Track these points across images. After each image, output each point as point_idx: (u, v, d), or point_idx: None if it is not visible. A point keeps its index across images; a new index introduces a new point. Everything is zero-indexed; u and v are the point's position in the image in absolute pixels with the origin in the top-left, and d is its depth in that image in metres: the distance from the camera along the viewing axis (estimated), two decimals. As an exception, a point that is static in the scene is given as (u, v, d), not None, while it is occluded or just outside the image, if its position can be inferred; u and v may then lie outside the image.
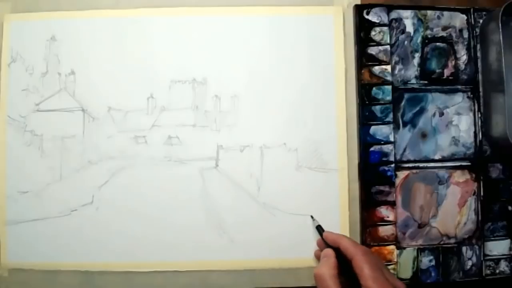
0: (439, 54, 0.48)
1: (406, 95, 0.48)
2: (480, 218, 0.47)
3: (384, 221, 0.46)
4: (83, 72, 0.47)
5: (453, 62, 0.48)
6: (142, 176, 0.46)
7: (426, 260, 0.47)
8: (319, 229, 0.44)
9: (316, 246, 0.45)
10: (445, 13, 0.48)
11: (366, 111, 0.47)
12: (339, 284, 0.38)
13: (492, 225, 0.47)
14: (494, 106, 0.46)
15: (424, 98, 0.48)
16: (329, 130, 0.47)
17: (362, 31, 0.47)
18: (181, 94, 0.47)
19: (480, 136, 0.48)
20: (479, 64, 0.48)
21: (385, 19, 0.47)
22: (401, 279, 0.46)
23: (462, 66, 0.48)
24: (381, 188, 0.46)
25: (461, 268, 0.47)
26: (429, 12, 0.48)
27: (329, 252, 0.41)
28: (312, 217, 0.46)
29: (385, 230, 0.46)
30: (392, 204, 0.46)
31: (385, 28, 0.47)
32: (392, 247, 0.46)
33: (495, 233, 0.47)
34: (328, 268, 0.39)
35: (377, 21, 0.47)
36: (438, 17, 0.48)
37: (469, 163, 0.48)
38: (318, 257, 0.45)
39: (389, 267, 0.46)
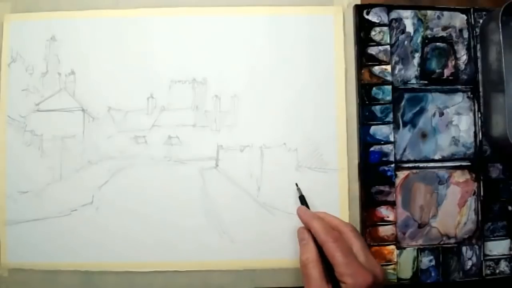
0: (439, 54, 0.48)
1: (406, 95, 0.48)
2: (480, 218, 0.47)
3: (384, 221, 0.46)
4: (83, 72, 0.47)
5: (453, 62, 0.48)
6: (142, 176, 0.46)
7: (426, 260, 0.47)
8: (302, 199, 0.44)
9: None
10: (445, 13, 0.48)
11: (366, 111, 0.47)
12: (322, 269, 0.37)
13: (492, 225, 0.47)
14: (494, 106, 0.46)
15: (424, 98, 0.48)
16: (329, 130, 0.47)
17: (362, 31, 0.47)
18: (181, 94, 0.47)
19: (480, 136, 0.48)
20: (479, 64, 0.48)
21: (385, 19, 0.47)
22: (401, 279, 0.46)
23: (462, 66, 0.48)
24: (381, 188, 0.46)
25: (461, 268, 0.47)
26: (429, 12, 0.48)
27: (306, 235, 0.40)
28: (297, 184, 0.45)
29: (385, 230, 0.46)
30: (392, 204, 0.46)
31: (385, 28, 0.47)
32: (392, 247, 0.46)
33: (495, 233, 0.47)
34: (311, 254, 0.38)
35: (377, 21, 0.47)
36: (438, 17, 0.48)
37: (469, 163, 0.48)
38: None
39: (389, 267, 0.46)
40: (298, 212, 0.43)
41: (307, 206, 0.44)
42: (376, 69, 0.47)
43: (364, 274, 0.36)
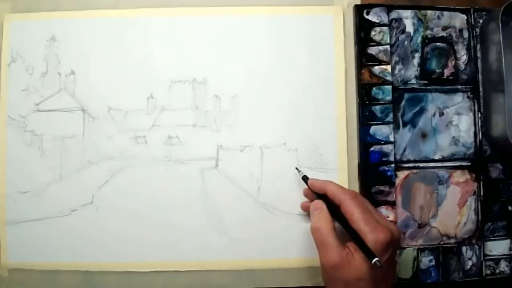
0: (439, 54, 0.48)
1: (406, 95, 0.48)
2: (480, 218, 0.47)
3: (384, 221, 0.46)
4: (83, 72, 0.47)
5: (453, 62, 0.48)
6: (142, 176, 0.46)
7: (426, 260, 0.47)
8: (305, 179, 0.44)
9: (303, 197, 0.45)
10: (445, 13, 0.48)
11: (366, 111, 0.47)
12: (337, 237, 0.37)
13: (492, 225, 0.47)
14: (494, 106, 0.46)
15: (424, 98, 0.48)
16: (329, 130, 0.47)
17: (362, 31, 0.47)
18: (181, 94, 0.47)
19: (480, 136, 0.48)
20: (479, 64, 0.48)
21: (385, 19, 0.47)
22: (401, 279, 0.46)
23: (462, 66, 0.48)
24: (381, 188, 0.46)
25: (461, 268, 0.47)
26: (429, 12, 0.48)
27: (319, 204, 0.40)
28: (297, 168, 0.45)
29: (385, 230, 0.46)
30: (392, 204, 0.46)
31: (385, 28, 0.47)
32: (392, 247, 0.46)
33: (495, 233, 0.47)
34: (326, 221, 0.38)
35: (377, 21, 0.47)
36: (438, 17, 0.48)
37: (469, 163, 0.48)
38: (304, 209, 0.45)
39: (389, 267, 0.46)
40: (309, 183, 0.43)
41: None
42: (376, 69, 0.47)
43: (383, 230, 0.36)
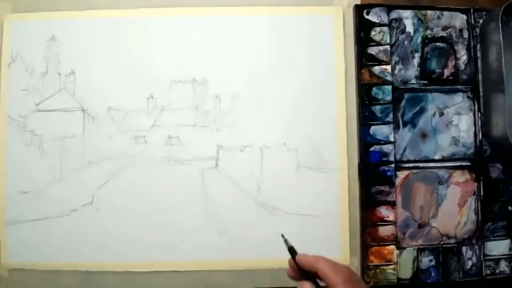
0: (439, 54, 0.48)
1: (406, 95, 0.48)
2: (480, 218, 0.47)
3: (384, 221, 0.46)
4: (83, 72, 0.47)
5: (453, 62, 0.48)
6: (142, 176, 0.46)
7: (426, 260, 0.47)
8: (292, 251, 0.36)
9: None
10: (445, 13, 0.48)
11: (366, 111, 0.47)
12: None
13: (492, 225, 0.47)
14: (494, 106, 0.46)
15: (424, 98, 0.48)
16: (329, 130, 0.47)
17: (362, 31, 0.47)
18: (181, 94, 0.47)
19: (480, 136, 0.48)
20: (479, 64, 0.48)
21: (385, 19, 0.47)
22: (401, 279, 0.46)
23: (462, 66, 0.48)
24: (381, 188, 0.46)
25: (461, 268, 0.47)
26: (429, 12, 0.48)
27: (307, 286, 0.34)
28: (283, 236, 0.36)
29: (385, 230, 0.46)
30: (392, 204, 0.46)
31: (385, 28, 0.47)
32: (392, 247, 0.46)
33: (495, 233, 0.47)
34: None
35: (377, 21, 0.47)
36: (438, 17, 0.48)
37: (469, 163, 0.48)
38: (292, 277, 0.37)
39: (389, 267, 0.46)
40: (298, 259, 0.36)
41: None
42: (376, 69, 0.47)
43: None
